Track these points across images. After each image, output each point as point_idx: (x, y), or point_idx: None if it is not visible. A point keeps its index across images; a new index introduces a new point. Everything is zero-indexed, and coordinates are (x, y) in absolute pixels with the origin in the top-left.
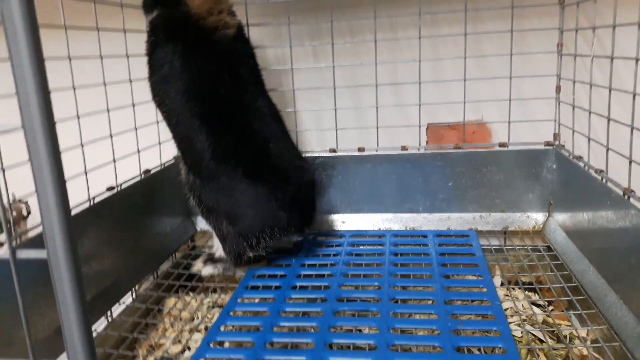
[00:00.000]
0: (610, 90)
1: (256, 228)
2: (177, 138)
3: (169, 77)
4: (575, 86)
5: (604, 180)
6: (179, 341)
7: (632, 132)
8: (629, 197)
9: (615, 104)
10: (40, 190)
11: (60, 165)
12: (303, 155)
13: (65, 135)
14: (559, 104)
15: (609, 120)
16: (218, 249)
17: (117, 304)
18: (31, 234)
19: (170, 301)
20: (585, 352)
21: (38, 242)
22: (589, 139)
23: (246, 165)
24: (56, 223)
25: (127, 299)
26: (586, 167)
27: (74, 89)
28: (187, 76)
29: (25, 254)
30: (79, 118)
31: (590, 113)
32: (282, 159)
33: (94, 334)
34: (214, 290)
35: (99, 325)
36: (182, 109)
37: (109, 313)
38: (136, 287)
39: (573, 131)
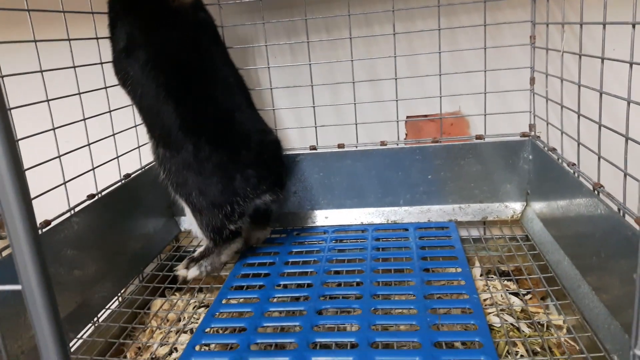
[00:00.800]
0: (579, 87)
1: (227, 193)
2: (144, 111)
3: (130, 49)
4: (548, 79)
5: (576, 174)
6: (167, 343)
7: (600, 129)
8: (598, 193)
9: (589, 98)
10: (7, 215)
11: (25, 187)
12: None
13: (44, 145)
14: (534, 96)
15: (579, 116)
16: (197, 248)
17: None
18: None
19: (157, 303)
20: (561, 339)
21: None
22: (562, 133)
23: (210, 133)
24: (27, 251)
25: (113, 304)
26: (559, 160)
27: (48, 101)
28: (149, 47)
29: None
30: (54, 129)
31: (562, 107)
32: (245, 125)
33: (80, 341)
34: (200, 290)
35: (86, 332)
36: (147, 80)
37: (95, 319)
38: (122, 291)
39: (547, 123)
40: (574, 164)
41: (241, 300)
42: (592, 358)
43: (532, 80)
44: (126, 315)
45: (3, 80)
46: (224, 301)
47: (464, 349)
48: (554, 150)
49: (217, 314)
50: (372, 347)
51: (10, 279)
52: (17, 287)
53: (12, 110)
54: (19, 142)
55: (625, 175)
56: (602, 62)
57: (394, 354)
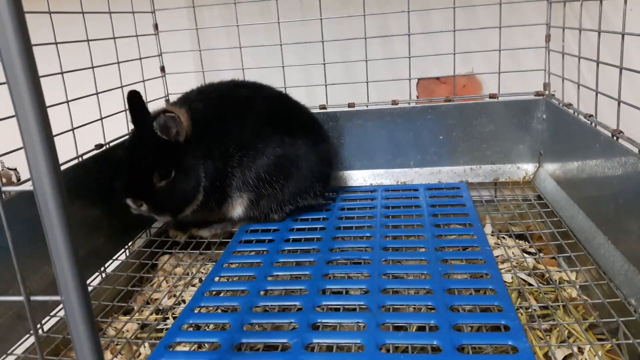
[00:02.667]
0: (599, 34)
1: None
2: None
3: None
4: (565, 33)
5: (593, 124)
6: (174, 295)
7: (620, 73)
8: (617, 138)
9: (603, 50)
10: (28, 142)
11: (45, 114)
12: None
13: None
14: (549, 53)
15: (597, 63)
16: None
17: (110, 261)
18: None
19: (164, 257)
20: (574, 293)
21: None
22: (579, 85)
23: None
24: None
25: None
26: (575, 114)
27: (57, 44)
28: None
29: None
30: (62, 74)
31: (579, 59)
32: None
33: (89, 288)
34: (207, 247)
35: (94, 281)
36: None
37: (102, 269)
38: (130, 243)
39: (563, 79)
40: (590, 115)
41: (251, 252)
42: (609, 303)
43: (548, 38)
44: (134, 266)
45: None
46: (233, 253)
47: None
48: (569, 105)
49: (227, 264)
50: (382, 293)
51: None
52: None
53: None
54: None
55: None
56: (625, 2)
57: (404, 300)
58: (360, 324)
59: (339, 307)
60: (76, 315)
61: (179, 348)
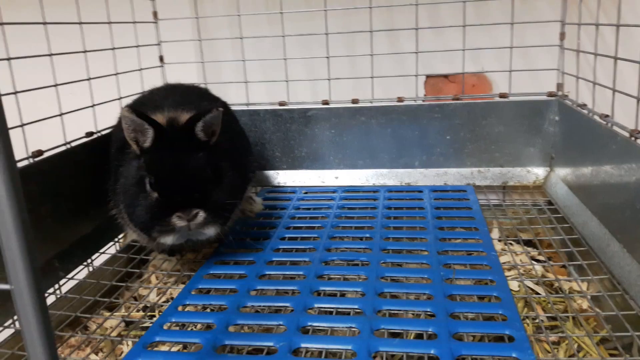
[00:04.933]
0: (617, 28)
1: None
2: None
3: None
4: (580, 31)
5: (610, 125)
6: (163, 292)
7: None
8: (636, 139)
9: (619, 50)
10: None
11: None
12: None
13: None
14: (563, 52)
15: (615, 59)
16: None
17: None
18: None
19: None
20: (585, 305)
21: None
22: (594, 84)
23: None
24: None
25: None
26: (590, 114)
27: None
28: None
29: None
30: (51, 56)
31: (595, 56)
32: None
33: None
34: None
35: (78, 274)
36: None
37: (89, 261)
38: (120, 236)
39: (577, 78)
40: (607, 115)
41: (246, 250)
42: (623, 316)
43: (562, 35)
44: (124, 260)
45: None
46: (226, 250)
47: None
48: (583, 105)
49: (218, 261)
50: (379, 297)
51: None
52: None
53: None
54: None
55: None
56: None
57: (403, 304)
58: (353, 329)
59: (332, 310)
60: (26, 305)
61: (159, 348)
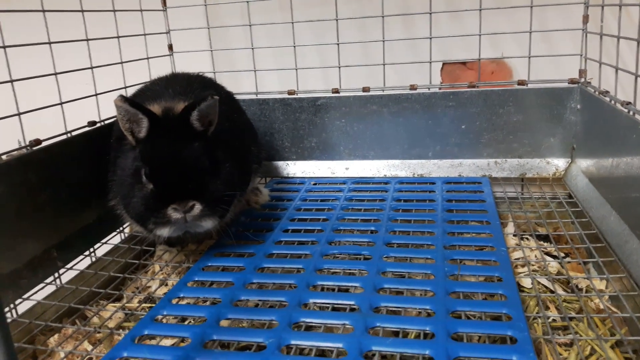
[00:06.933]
0: None
1: None
2: None
3: None
4: (604, 12)
5: (632, 113)
6: (165, 284)
7: None
8: None
9: None
10: None
11: None
12: None
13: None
14: (586, 37)
15: (638, 42)
16: None
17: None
18: None
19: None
20: (601, 305)
21: None
22: (617, 69)
23: None
24: None
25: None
26: (612, 102)
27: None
28: None
29: None
30: (50, 44)
31: (619, 39)
32: None
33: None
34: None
35: (78, 264)
36: None
37: (91, 251)
38: (125, 226)
39: (600, 64)
40: (629, 103)
41: (247, 242)
42: (637, 318)
43: (586, 19)
44: (127, 250)
45: None
46: (228, 242)
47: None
48: (606, 92)
49: (218, 253)
50: (377, 293)
51: None
52: None
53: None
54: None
55: None
56: None
57: (400, 301)
58: (347, 326)
59: (327, 305)
60: None
61: (148, 341)
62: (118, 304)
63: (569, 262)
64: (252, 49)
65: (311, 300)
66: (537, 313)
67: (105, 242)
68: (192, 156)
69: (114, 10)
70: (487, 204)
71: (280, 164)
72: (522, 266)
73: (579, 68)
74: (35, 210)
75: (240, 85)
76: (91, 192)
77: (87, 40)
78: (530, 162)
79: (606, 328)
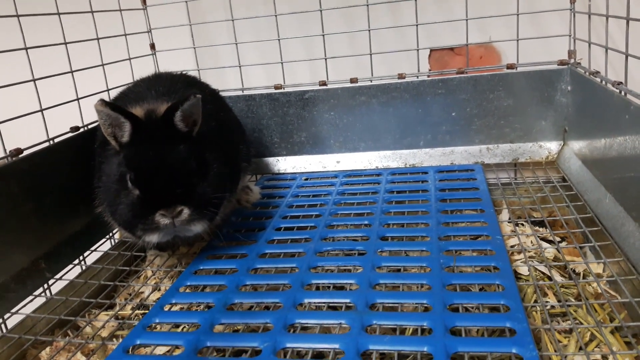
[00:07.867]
0: None
1: None
2: None
3: None
4: None
5: (623, 93)
6: (158, 289)
7: None
8: None
9: (633, 9)
10: None
11: None
12: None
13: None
14: (574, 17)
15: (627, 20)
16: None
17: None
18: None
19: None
20: (600, 289)
21: None
22: (607, 49)
23: None
24: None
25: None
26: (603, 82)
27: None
28: None
29: None
30: (27, 50)
31: (607, 18)
32: None
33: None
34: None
35: (67, 274)
36: None
37: (81, 259)
38: (115, 231)
39: (589, 44)
40: (620, 83)
41: (239, 244)
42: (637, 303)
43: None
44: (117, 257)
45: None
46: (220, 243)
47: (482, 291)
48: (596, 73)
49: (210, 255)
50: (373, 289)
51: None
52: None
53: None
54: None
55: None
56: None
57: (395, 297)
58: (343, 326)
59: (322, 305)
60: None
61: (140, 351)
62: (111, 312)
63: (565, 246)
64: (236, 44)
65: (306, 300)
66: (535, 301)
67: (95, 250)
68: (178, 159)
69: (92, 12)
70: (481, 192)
71: (270, 160)
72: (519, 253)
73: (568, 49)
74: (19, 221)
75: (226, 81)
76: (78, 199)
77: (66, 43)
78: (523, 146)
79: (605, 313)
